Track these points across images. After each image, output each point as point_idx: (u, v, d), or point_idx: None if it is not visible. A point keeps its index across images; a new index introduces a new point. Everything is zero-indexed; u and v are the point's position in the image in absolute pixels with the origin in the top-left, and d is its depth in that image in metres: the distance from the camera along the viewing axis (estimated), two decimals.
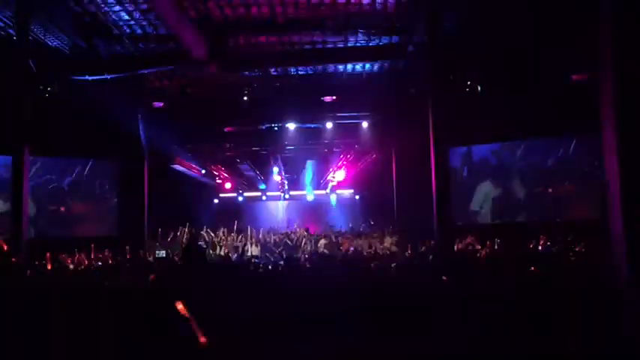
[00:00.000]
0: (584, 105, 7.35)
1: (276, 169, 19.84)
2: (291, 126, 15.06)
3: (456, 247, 11.13)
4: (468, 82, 12.66)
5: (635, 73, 5.51)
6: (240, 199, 22.95)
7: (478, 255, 10.13)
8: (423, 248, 12.09)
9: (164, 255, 12.16)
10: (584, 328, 5.05)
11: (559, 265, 7.86)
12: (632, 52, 5.55)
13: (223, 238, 15.34)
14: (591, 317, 5.13)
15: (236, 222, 17.21)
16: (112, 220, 15.57)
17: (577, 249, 9.65)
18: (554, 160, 13.86)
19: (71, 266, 9.79)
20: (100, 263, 10.33)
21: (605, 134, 5.87)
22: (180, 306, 4.63)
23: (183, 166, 17.85)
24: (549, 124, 13.13)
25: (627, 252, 5.37)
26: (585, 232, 10.56)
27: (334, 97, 13.58)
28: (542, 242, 11.04)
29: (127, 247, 12.06)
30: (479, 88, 12.43)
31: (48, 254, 9.78)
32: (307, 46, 11.55)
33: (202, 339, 4.57)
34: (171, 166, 17.40)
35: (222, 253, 13.39)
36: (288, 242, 14.74)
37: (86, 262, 10.53)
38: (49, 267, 9.05)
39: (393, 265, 8.31)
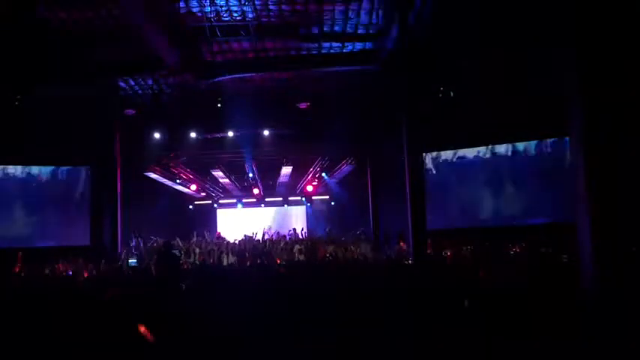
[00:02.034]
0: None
1: (251, 176, 19.78)
2: (266, 132, 15.03)
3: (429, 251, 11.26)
4: (441, 88, 12.83)
5: (602, 74, 5.62)
6: (215, 205, 22.88)
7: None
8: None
9: (136, 263, 12.02)
10: (549, 328, 5.12)
11: (525, 266, 7.99)
12: (596, 53, 5.67)
13: (197, 245, 15.21)
14: (556, 317, 5.21)
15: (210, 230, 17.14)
16: (84, 230, 15.28)
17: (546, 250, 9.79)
18: (534, 162, 14.06)
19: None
20: (70, 272, 10.18)
21: (571, 135, 5.98)
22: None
23: (156, 174, 17.68)
24: (528, 127, 13.36)
25: (593, 252, 5.48)
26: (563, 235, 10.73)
27: (309, 104, 13.61)
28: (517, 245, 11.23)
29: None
30: (451, 94, 12.60)
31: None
32: (281, 53, 11.57)
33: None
34: (145, 173, 17.22)
35: (196, 261, 13.29)
36: (264, 249, 14.66)
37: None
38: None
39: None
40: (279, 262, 12.41)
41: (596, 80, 5.58)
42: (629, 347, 4.61)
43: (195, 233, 16.25)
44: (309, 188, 21.09)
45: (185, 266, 11.99)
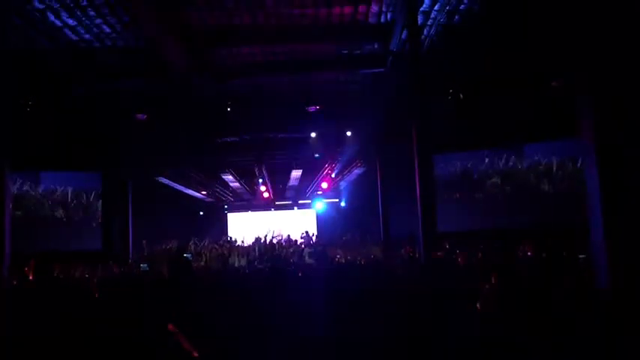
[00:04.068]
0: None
1: (261, 180, 19.83)
2: (276, 136, 15.09)
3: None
4: (450, 90, 12.82)
5: (613, 71, 5.57)
6: (226, 210, 22.96)
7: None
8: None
9: (147, 268, 12.07)
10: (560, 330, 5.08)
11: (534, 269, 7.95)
12: (607, 52, 5.63)
13: (209, 249, 15.28)
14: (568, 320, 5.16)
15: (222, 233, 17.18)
16: (96, 235, 15.33)
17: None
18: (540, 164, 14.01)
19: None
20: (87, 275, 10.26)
21: (583, 136, 5.93)
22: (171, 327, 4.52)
23: (168, 179, 17.79)
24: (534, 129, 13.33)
25: (607, 252, 5.42)
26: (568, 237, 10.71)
27: (318, 107, 13.64)
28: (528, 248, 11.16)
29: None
30: (460, 95, 12.59)
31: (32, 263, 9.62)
32: (290, 56, 11.62)
33: (195, 354, 4.50)
34: (157, 178, 17.33)
35: (207, 264, 13.35)
36: (275, 253, 14.70)
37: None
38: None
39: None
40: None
41: (607, 78, 5.54)
42: None
43: (206, 239, 16.33)
44: (320, 190, 21.12)
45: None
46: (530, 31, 9.25)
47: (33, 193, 14.74)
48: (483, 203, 14.54)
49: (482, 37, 10.04)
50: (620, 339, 4.82)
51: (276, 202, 22.79)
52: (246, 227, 21.87)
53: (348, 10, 9.87)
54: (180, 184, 18.91)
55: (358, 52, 11.73)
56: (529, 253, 11.07)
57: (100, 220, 15.24)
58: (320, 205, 22.00)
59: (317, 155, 17.57)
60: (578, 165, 12.61)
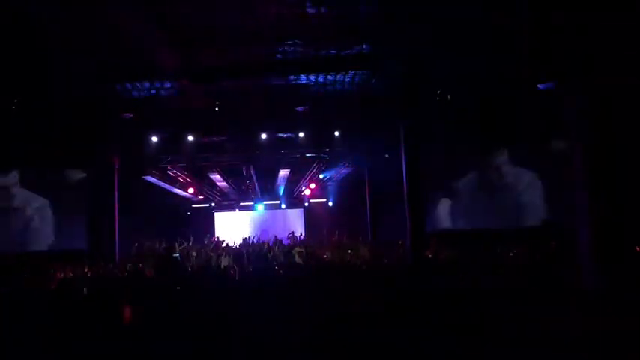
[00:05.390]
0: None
1: (248, 181, 19.77)
2: (263, 135, 15.02)
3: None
4: (438, 91, 12.88)
5: (602, 74, 5.64)
6: (213, 210, 22.87)
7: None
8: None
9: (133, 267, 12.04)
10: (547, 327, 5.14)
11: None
12: (598, 55, 5.70)
13: (195, 249, 15.21)
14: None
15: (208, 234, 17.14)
16: (81, 234, 15.15)
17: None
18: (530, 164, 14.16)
19: None
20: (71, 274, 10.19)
21: (569, 134, 6.01)
22: None
23: (154, 178, 17.66)
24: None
25: (593, 251, 5.49)
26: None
27: (306, 107, 13.65)
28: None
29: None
30: (448, 97, 12.67)
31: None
32: (277, 57, 11.60)
33: None
34: (143, 177, 17.20)
35: (194, 263, 13.31)
36: (261, 253, 14.65)
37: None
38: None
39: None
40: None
41: (592, 77, 5.61)
42: (626, 346, 4.65)
43: (191, 238, 16.24)
44: (307, 192, 21.11)
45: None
46: (521, 33, 9.32)
47: (17, 192, 14.62)
48: (473, 203, 14.63)
49: (472, 39, 10.09)
50: (603, 335, 4.91)
51: (264, 202, 22.73)
52: (233, 226, 21.81)
53: (336, 10, 9.87)
54: (167, 184, 18.81)
55: (347, 52, 11.74)
56: (510, 253, 11.22)
57: (85, 219, 15.11)
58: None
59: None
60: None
